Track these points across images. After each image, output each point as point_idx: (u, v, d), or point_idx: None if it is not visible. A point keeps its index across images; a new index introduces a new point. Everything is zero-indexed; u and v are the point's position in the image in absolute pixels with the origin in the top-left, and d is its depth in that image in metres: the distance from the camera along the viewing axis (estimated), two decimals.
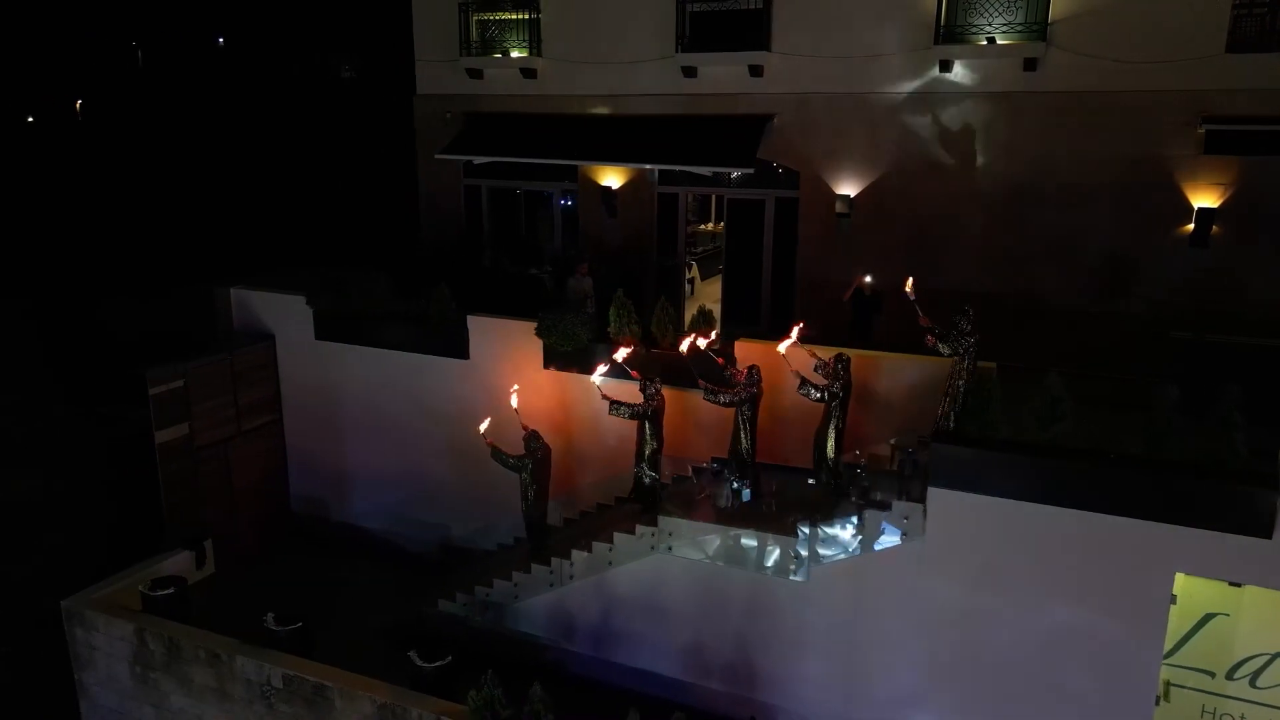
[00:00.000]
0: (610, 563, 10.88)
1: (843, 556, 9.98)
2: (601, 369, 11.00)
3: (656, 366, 11.54)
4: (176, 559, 12.80)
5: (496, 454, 11.56)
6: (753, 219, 15.94)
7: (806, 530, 9.98)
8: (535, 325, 12.59)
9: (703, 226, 21.43)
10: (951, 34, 13.66)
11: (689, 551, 10.54)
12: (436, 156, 17.39)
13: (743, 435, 10.75)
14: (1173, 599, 8.97)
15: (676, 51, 15.40)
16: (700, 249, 20.26)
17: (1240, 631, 9.42)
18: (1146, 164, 13.07)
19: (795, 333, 10.66)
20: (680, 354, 11.03)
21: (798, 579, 10.12)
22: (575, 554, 11.12)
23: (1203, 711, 9.74)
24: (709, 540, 10.44)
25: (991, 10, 13.41)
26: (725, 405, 10.67)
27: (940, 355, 9.56)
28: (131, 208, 27.32)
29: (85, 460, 13.35)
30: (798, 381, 10.19)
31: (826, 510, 10.14)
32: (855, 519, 9.85)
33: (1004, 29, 13.38)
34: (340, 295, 14.12)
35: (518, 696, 8.74)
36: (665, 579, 10.78)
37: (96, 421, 14.49)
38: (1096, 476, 8.79)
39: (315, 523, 15.25)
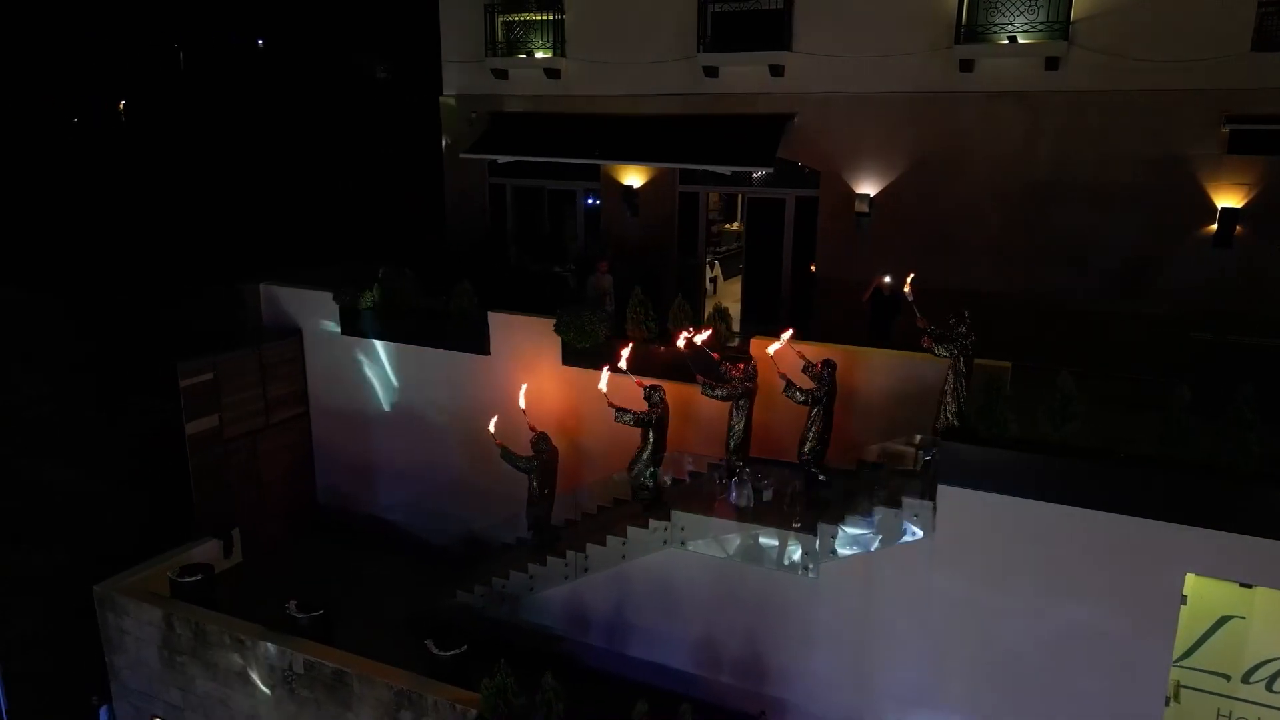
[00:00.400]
0: (623, 556, 11.03)
1: (855, 552, 10.05)
2: (606, 374, 11.22)
3: (657, 365, 11.78)
4: (205, 547, 13.17)
5: (506, 454, 11.84)
6: (773, 218, 15.99)
7: (830, 529, 10.07)
8: (554, 322, 12.77)
9: (727, 226, 21.47)
10: (973, 33, 13.63)
11: (702, 547, 10.67)
12: (461, 156, 17.64)
13: (738, 429, 10.97)
14: (1183, 599, 8.93)
15: (698, 51, 15.51)
16: (724, 248, 20.30)
17: (1254, 635, 9.36)
18: (1169, 164, 12.95)
19: (785, 336, 10.86)
20: (678, 350, 11.24)
21: (811, 575, 10.21)
22: (590, 547, 11.29)
23: (1218, 715, 9.68)
24: (723, 536, 10.56)
25: (1013, 9, 13.37)
26: (722, 399, 10.92)
27: (936, 355, 9.66)
28: (169, 206, 27.93)
29: (120, 451, 13.72)
30: (783, 384, 10.43)
31: (837, 511, 10.22)
32: (875, 517, 9.94)
33: (1025, 28, 13.33)
34: (365, 292, 14.39)
35: (531, 686, 8.93)
36: (677, 574, 10.91)
37: (132, 414, 14.87)
38: (1107, 476, 8.78)
39: (341, 515, 15.55)
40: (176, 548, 12.98)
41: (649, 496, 11.19)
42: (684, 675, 11.08)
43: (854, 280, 14.16)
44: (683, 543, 10.71)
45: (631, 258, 16.18)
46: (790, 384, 10.48)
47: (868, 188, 14.84)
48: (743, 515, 10.56)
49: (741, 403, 10.92)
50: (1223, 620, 9.45)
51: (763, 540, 10.41)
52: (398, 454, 14.90)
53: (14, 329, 13.45)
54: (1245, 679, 9.53)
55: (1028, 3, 13.27)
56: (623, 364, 11.20)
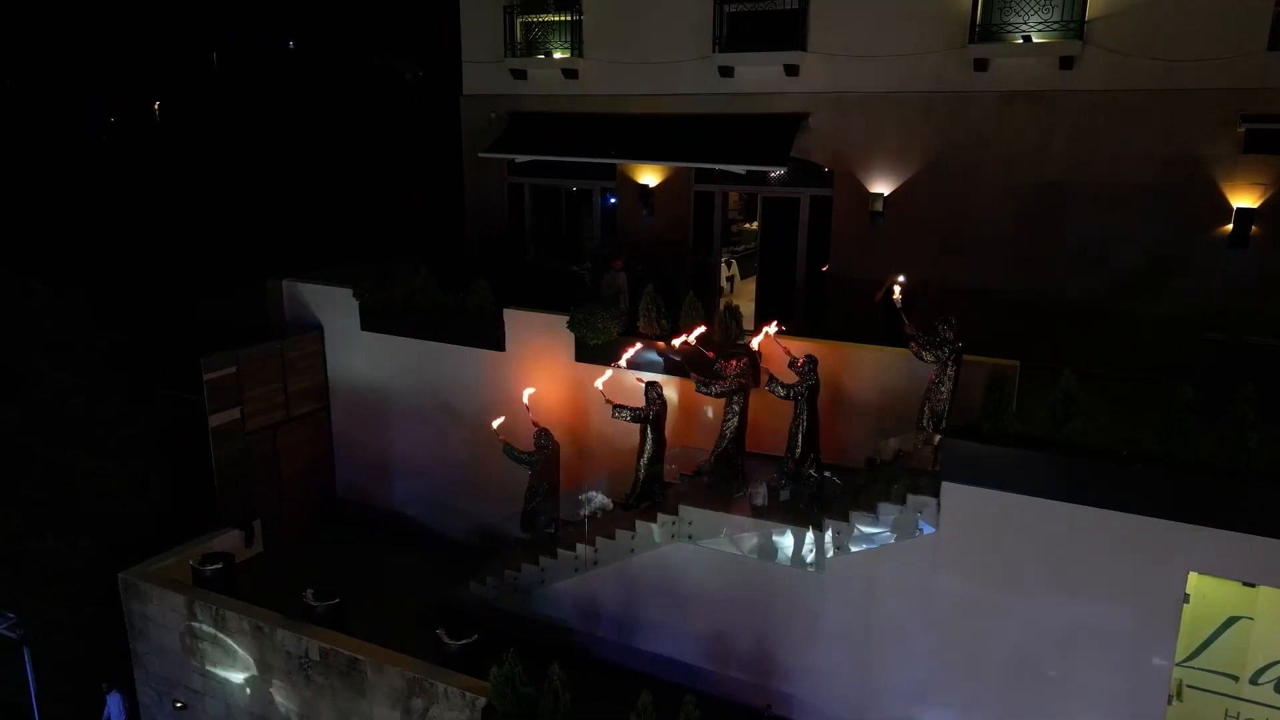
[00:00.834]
0: (632, 550, 11.18)
1: (865, 549, 10.14)
2: (607, 373, 11.38)
3: (657, 363, 11.96)
4: (226, 537, 13.48)
5: (508, 450, 12.11)
6: (788, 217, 16.07)
7: (842, 526, 10.16)
8: (567, 319, 12.95)
9: (747, 225, 21.54)
10: (987, 33, 13.63)
11: (709, 542, 10.80)
12: (480, 155, 17.87)
13: (731, 424, 11.14)
14: (1186, 598, 8.95)
15: (713, 51, 15.62)
16: (742, 247, 20.38)
17: (1262, 636, 9.34)
18: (1184, 163, 12.88)
19: (768, 329, 11.00)
20: (676, 348, 11.41)
21: (819, 571, 10.30)
22: (600, 541, 11.45)
23: (1225, 715, 9.68)
24: (734, 533, 10.69)
25: (1028, 9, 13.36)
26: (717, 395, 11.09)
27: (923, 361, 9.76)
28: (200, 205, 28.40)
29: (146, 443, 14.04)
30: (765, 378, 10.56)
31: (843, 508, 10.32)
32: (889, 515, 10.02)
33: (1040, 27, 13.32)
34: (385, 288, 14.65)
35: (540, 676, 9.10)
36: (684, 568, 11.06)
37: (159, 407, 15.16)
38: (1110, 474, 8.82)
39: (359, 508, 15.83)
40: (199, 537, 13.30)
41: (657, 492, 11.34)
42: (691, 668, 11.22)
43: (868, 280, 14.21)
44: (690, 537, 10.85)
45: (647, 256, 16.32)
46: (773, 378, 10.66)
47: (882, 187, 14.88)
48: (757, 513, 10.68)
49: (736, 398, 11.04)
50: (1230, 621, 9.44)
51: (775, 537, 10.52)
52: (415, 448, 15.14)
53: (45, 324, 13.83)
54: (1253, 680, 9.53)
55: (1043, 2, 13.25)
56: (623, 363, 11.40)
